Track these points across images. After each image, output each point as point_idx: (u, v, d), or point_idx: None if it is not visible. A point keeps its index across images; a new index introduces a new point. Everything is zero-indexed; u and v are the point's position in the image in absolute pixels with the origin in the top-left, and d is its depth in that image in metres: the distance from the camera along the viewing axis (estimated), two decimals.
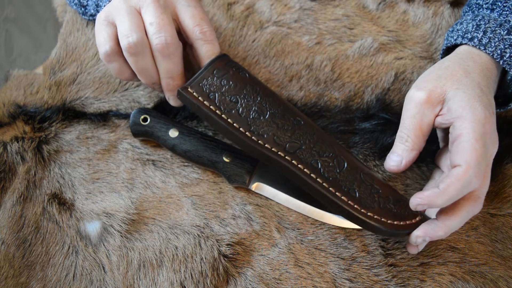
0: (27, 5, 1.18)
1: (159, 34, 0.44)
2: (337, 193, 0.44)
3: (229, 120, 0.45)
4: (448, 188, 0.40)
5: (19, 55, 1.15)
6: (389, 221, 0.43)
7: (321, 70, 0.56)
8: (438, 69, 0.46)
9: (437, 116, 0.43)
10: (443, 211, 0.42)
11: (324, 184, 0.44)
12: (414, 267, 0.47)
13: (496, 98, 0.50)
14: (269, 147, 0.45)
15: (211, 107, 0.45)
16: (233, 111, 0.45)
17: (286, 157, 0.44)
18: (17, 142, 0.52)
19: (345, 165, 0.45)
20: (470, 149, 0.40)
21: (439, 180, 0.41)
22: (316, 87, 0.55)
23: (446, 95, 0.43)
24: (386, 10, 0.60)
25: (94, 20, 0.56)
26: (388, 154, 0.45)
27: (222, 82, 0.46)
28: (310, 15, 0.59)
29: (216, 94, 0.46)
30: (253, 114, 0.45)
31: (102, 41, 0.46)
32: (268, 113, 0.46)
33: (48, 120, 0.54)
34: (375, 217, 0.43)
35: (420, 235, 0.42)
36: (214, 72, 0.47)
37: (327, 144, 0.46)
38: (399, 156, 0.43)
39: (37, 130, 0.53)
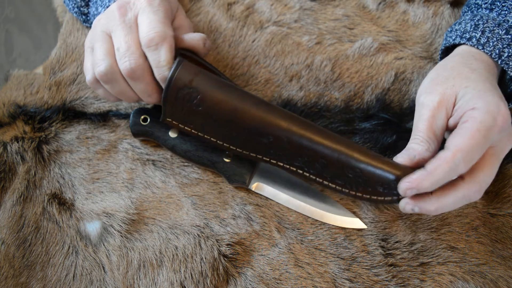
0: (27, 5, 1.18)
1: (123, 60, 0.43)
2: (324, 182, 0.46)
3: (212, 139, 0.47)
4: (436, 170, 0.39)
5: (19, 55, 1.15)
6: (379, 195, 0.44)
7: (321, 70, 0.56)
8: (443, 70, 0.45)
9: (450, 118, 0.43)
10: (440, 188, 0.41)
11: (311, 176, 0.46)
12: (414, 267, 0.47)
13: None
14: (253, 155, 0.46)
15: (192, 130, 0.47)
16: (209, 131, 0.46)
17: (271, 160, 0.46)
18: (17, 142, 0.52)
19: (326, 165, 0.44)
20: (467, 135, 0.39)
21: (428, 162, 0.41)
22: (316, 87, 0.55)
23: (457, 95, 0.43)
24: (386, 10, 0.60)
25: None
26: (400, 154, 0.43)
27: (183, 110, 0.45)
28: (310, 15, 0.59)
29: (188, 119, 0.46)
30: (226, 133, 0.46)
31: (85, 70, 0.47)
32: (238, 135, 0.46)
33: (48, 120, 0.54)
34: (364, 196, 0.45)
35: (410, 203, 0.42)
36: (175, 100, 0.45)
37: (302, 152, 0.45)
38: (415, 151, 0.42)
39: (37, 130, 0.53)
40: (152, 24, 0.43)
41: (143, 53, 0.44)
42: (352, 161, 0.43)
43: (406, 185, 0.41)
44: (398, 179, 0.42)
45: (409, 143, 0.44)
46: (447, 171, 0.39)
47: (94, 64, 0.45)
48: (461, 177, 0.42)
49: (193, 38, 0.46)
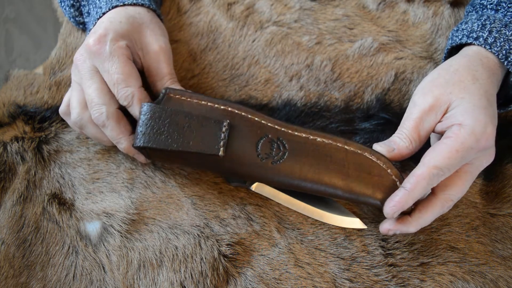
0: (27, 5, 1.18)
1: (91, 110, 0.46)
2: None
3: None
4: (415, 188, 0.41)
5: (19, 55, 1.15)
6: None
7: (321, 70, 0.56)
8: (445, 72, 0.45)
9: (438, 122, 0.44)
10: (417, 209, 0.43)
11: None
12: (414, 267, 0.47)
13: (497, 99, 0.49)
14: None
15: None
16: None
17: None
18: (17, 142, 0.52)
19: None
20: (445, 153, 0.41)
21: (407, 177, 0.42)
22: (316, 87, 0.55)
23: (452, 103, 0.43)
24: (386, 10, 0.60)
25: None
26: (380, 142, 0.45)
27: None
28: (310, 15, 0.59)
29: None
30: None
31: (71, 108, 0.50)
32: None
33: (48, 120, 0.54)
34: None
35: (392, 229, 0.44)
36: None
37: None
38: (396, 144, 0.44)
39: (37, 130, 0.53)
40: (105, 88, 0.46)
41: (107, 100, 0.46)
42: (331, 191, 0.45)
43: (392, 209, 0.42)
44: (381, 202, 0.44)
45: (393, 135, 0.45)
46: (425, 187, 0.41)
47: (70, 113, 0.48)
48: (433, 193, 0.43)
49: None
